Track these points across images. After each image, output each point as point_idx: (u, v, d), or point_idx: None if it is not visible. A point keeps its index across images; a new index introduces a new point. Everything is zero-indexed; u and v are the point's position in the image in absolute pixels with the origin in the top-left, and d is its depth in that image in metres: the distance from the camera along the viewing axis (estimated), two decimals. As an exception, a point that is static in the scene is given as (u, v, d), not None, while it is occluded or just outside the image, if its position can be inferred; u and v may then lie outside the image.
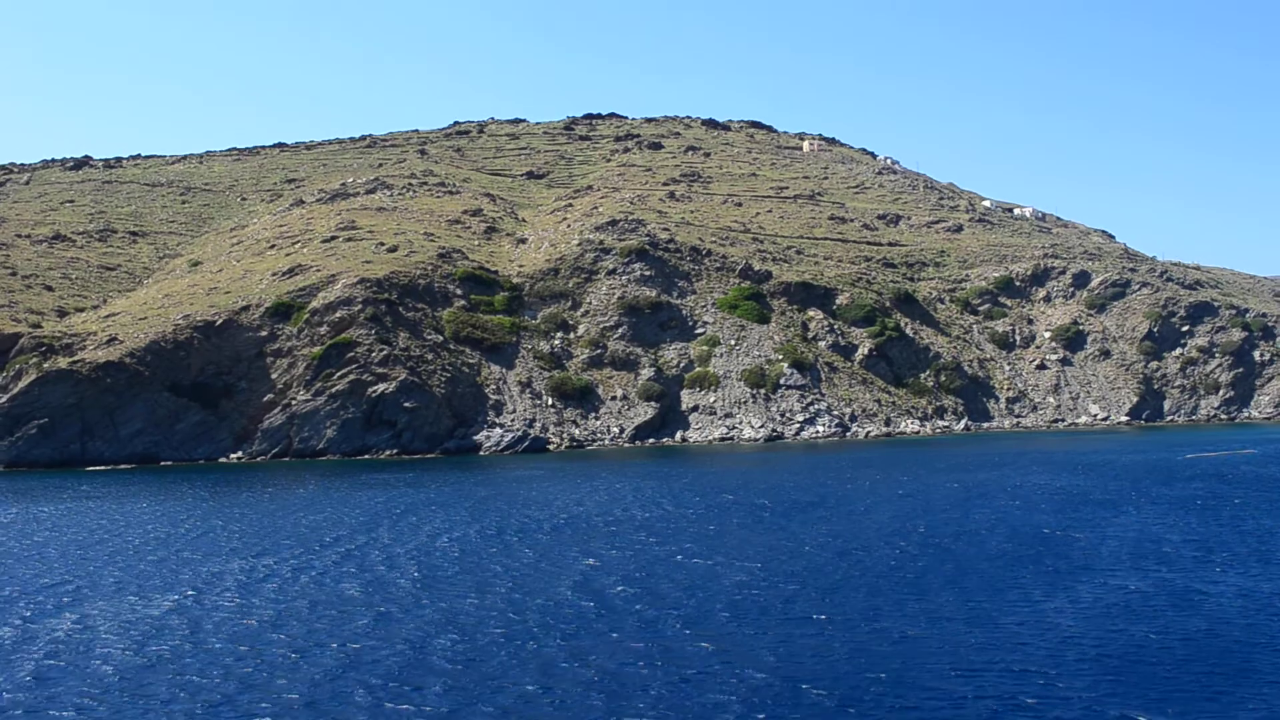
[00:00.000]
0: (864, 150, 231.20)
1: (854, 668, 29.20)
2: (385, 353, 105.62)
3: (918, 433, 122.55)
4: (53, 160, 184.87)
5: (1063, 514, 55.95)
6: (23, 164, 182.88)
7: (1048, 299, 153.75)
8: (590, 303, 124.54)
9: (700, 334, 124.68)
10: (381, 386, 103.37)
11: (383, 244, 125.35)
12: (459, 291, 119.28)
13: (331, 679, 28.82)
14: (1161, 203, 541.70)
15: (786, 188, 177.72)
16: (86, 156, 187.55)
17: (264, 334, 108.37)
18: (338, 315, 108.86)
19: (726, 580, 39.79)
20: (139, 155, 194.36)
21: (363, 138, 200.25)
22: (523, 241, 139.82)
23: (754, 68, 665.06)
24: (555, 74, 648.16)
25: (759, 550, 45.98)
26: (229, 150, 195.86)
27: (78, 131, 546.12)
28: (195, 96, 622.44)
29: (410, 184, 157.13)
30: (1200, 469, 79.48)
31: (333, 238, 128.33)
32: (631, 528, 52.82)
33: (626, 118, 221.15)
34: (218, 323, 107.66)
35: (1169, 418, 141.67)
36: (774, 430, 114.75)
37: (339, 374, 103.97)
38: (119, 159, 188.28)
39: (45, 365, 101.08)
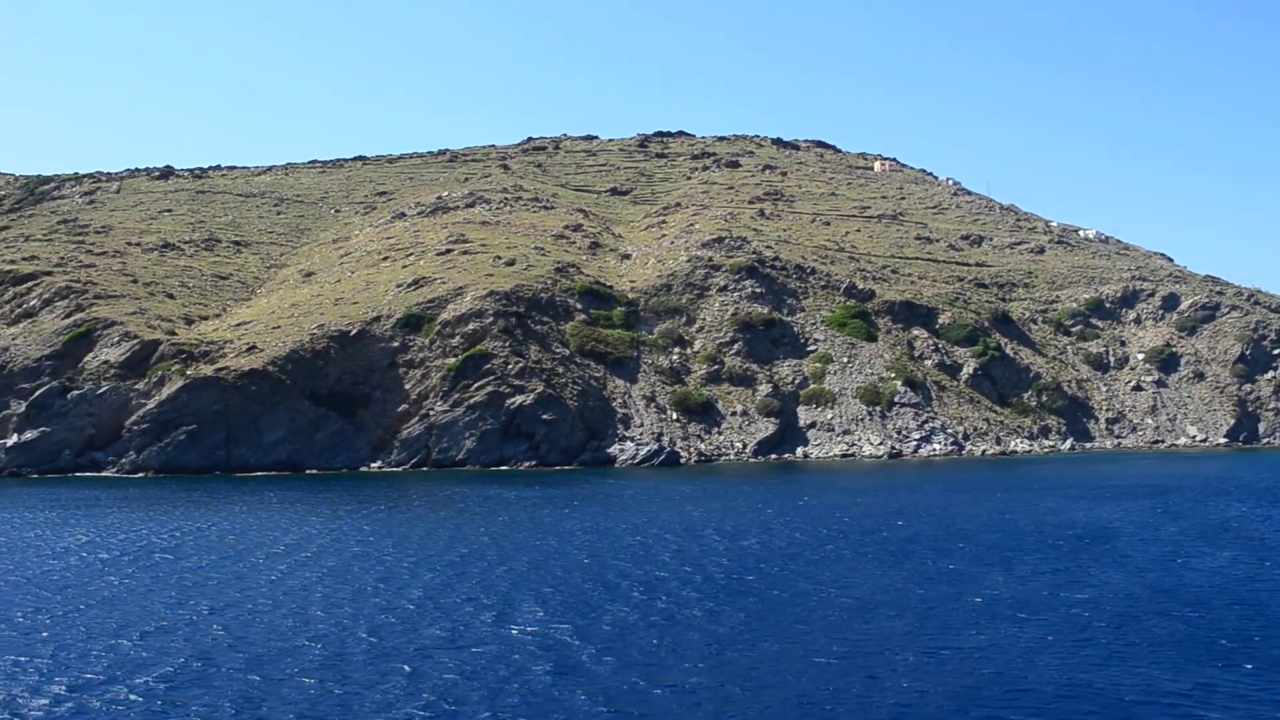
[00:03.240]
0: (923, 171, 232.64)
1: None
2: (520, 365, 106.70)
3: (1029, 451, 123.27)
4: (138, 170, 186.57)
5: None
6: (108, 173, 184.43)
7: (1138, 321, 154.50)
8: (704, 319, 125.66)
9: (812, 351, 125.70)
10: (519, 399, 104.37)
11: (499, 258, 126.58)
12: (579, 306, 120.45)
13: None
14: (1201, 227, 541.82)
15: (868, 207, 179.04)
16: (169, 166, 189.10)
17: (396, 344, 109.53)
18: (470, 327, 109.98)
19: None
20: (219, 166, 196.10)
21: (441, 152, 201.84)
22: (626, 257, 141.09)
23: (779, 85, 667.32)
24: (617, 93, 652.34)
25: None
26: (311, 162, 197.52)
27: (140, 142, 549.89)
28: (274, 110, 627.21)
29: (506, 198, 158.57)
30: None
31: (447, 250, 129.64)
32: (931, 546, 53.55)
33: (695, 136, 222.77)
34: (352, 333, 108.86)
35: (1264, 440, 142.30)
36: (893, 448, 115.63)
37: (476, 385, 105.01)
38: (203, 169, 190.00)
39: (189, 372, 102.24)
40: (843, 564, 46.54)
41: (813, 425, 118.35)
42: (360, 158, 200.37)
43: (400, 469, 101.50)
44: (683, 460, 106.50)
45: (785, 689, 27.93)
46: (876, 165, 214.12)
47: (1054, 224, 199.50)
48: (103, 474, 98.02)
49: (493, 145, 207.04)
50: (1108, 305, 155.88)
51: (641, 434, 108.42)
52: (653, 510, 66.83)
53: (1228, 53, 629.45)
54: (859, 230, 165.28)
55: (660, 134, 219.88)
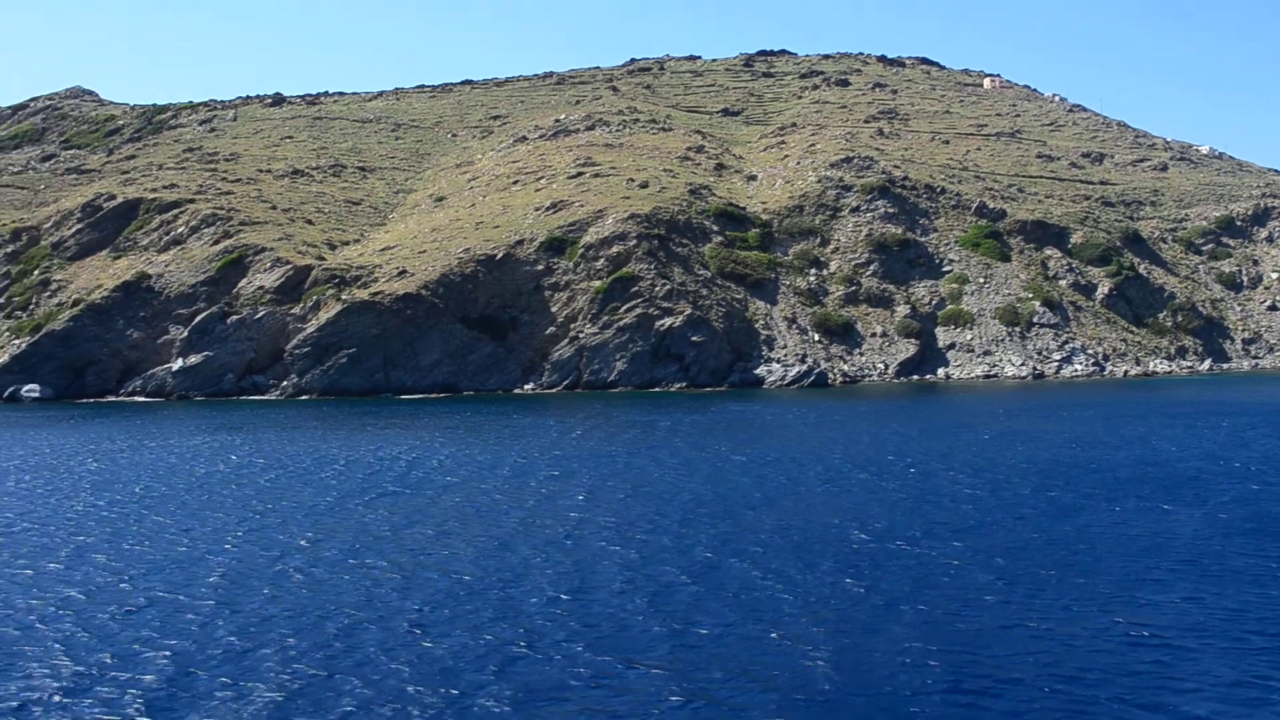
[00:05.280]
0: (1028, 87, 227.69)
1: None
2: (667, 287, 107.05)
3: (1169, 372, 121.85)
4: (250, 97, 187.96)
5: None
6: (221, 101, 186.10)
7: (1270, 239, 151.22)
8: (838, 240, 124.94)
9: (948, 272, 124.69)
10: (668, 321, 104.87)
11: (631, 180, 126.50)
12: (715, 228, 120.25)
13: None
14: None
15: (985, 125, 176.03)
16: (279, 94, 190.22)
17: (540, 268, 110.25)
18: (614, 250, 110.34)
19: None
20: (327, 92, 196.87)
21: (547, 75, 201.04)
22: (752, 178, 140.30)
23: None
24: (715, 12, 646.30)
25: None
26: (419, 87, 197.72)
27: (244, 71, 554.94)
28: (386, 32, 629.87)
29: (623, 121, 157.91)
30: None
31: (578, 174, 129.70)
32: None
33: (798, 54, 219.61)
34: (498, 256, 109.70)
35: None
36: (1035, 369, 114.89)
37: (624, 308, 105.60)
38: (314, 95, 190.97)
39: (344, 296, 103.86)
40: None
41: (952, 346, 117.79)
42: (468, 81, 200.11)
43: (553, 390, 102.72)
44: (830, 381, 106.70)
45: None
46: (986, 82, 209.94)
47: (1172, 141, 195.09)
48: (266, 397, 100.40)
49: (598, 67, 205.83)
50: (1239, 223, 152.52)
51: (786, 355, 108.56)
52: (900, 432, 67.09)
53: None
54: (979, 149, 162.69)
55: (763, 53, 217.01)
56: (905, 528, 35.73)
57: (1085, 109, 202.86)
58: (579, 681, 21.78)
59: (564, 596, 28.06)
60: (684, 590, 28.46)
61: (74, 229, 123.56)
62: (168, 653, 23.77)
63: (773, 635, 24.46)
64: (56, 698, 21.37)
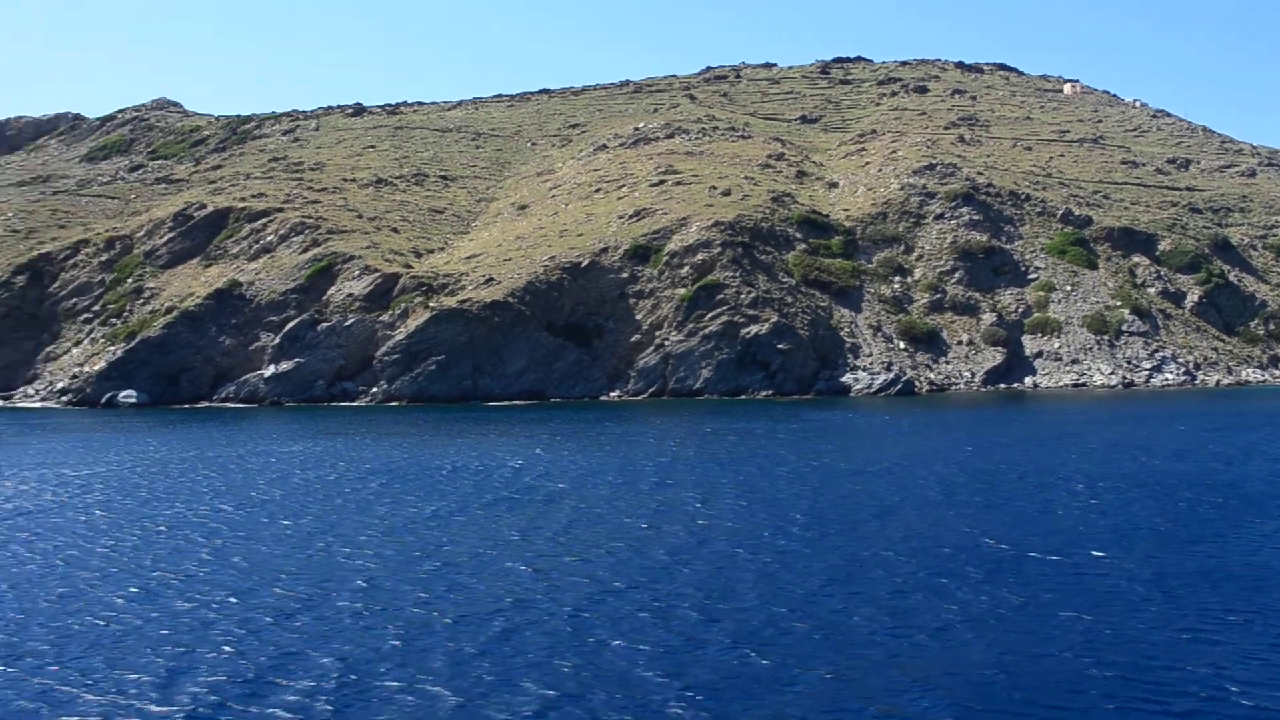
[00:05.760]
0: (1107, 92, 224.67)
1: None
2: (753, 295, 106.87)
3: (1262, 381, 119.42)
4: (331, 107, 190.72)
5: None
6: (303, 111, 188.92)
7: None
8: (922, 247, 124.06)
9: (1034, 279, 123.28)
10: (754, 328, 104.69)
11: (714, 188, 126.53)
12: (798, 235, 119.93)
13: None
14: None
15: (1067, 131, 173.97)
16: (359, 104, 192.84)
17: (625, 275, 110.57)
18: (698, 258, 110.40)
19: None
20: (406, 102, 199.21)
21: (624, 83, 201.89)
22: (834, 185, 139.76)
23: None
24: (790, 20, 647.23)
25: None
26: (497, 96, 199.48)
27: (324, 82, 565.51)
28: (462, 42, 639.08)
29: (703, 129, 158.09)
30: None
31: (660, 181, 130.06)
32: None
33: (874, 61, 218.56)
34: (583, 264, 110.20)
35: None
36: (1125, 377, 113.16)
37: (710, 315, 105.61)
38: (393, 105, 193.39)
39: (431, 304, 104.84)
40: None
41: (1039, 354, 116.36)
42: (545, 90, 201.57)
43: (638, 398, 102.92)
44: (916, 389, 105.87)
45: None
46: (1066, 88, 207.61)
47: (1259, 146, 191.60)
48: (356, 403, 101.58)
49: (674, 75, 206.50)
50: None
51: (871, 363, 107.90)
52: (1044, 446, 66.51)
53: None
54: (1062, 155, 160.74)
55: (839, 60, 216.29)
56: (1040, 538, 35.25)
57: (1169, 114, 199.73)
58: (757, 685, 21.74)
59: (712, 601, 28.04)
60: (830, 597, 28.31)
61: (165, 238, 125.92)
62: (336, 655, 24.06)
63: (937, 643, 24.26)
64: (235, 700, 21.70)
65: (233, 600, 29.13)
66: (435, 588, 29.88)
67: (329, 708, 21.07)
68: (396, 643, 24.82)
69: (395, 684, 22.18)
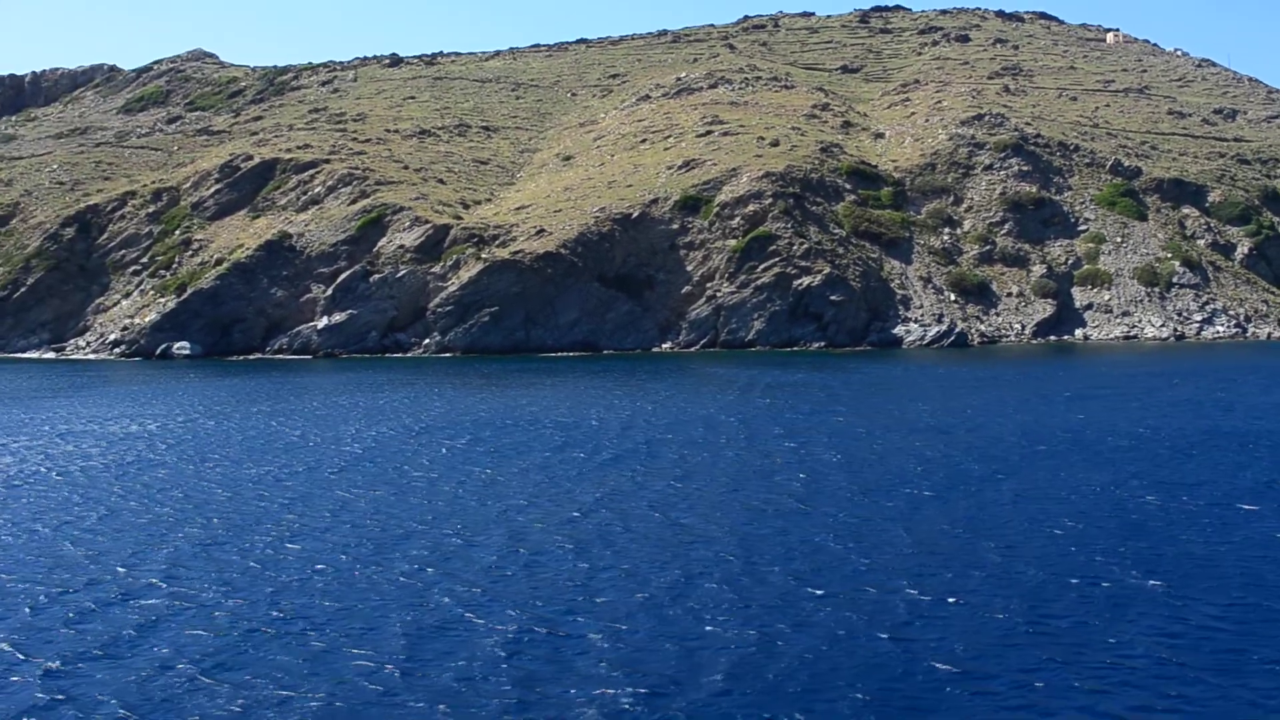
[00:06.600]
0: (1148, 41, 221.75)
1: None
2: (805, 246, 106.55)
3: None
4: (368, 58, 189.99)
5: None
6: (340, 62, 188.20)
7: None
8: (971, 198, 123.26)
9: (1083, 231, 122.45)
10: (806, 280, 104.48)
11: (761, 138, 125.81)
12: (847, 186, 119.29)
13: None
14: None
15: (1112, 81, 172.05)
16: (395, 54, 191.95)
17: (675, 227, 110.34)
18: (749, 209, 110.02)
19: None
20: (441, 52, 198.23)
21: (661, 33, 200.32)
22: (880, 136, 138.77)
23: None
24: None
25: None
26: (535, 46, 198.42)
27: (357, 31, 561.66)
28: None
29: (745, 79, 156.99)
30: None
31: (706, 132, 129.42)
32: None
33: (912, 10, 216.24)
34: (633, 215, 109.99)
35: None
36: (1175, 330, 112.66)
37: (762, 267, 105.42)
38: (430, 56, 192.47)
39: (483, 255, 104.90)
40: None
41: (1089, 306, 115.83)
42: (583, 40, 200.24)
43: (691, 349, 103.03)
44: (969, 341, 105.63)
45: None
46: (1109, 37, 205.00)
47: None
48: (409, 354, 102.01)
49: (711, 25, 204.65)
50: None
51: (922, 315, 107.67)
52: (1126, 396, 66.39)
53: None
54: (1108, 105, 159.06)
55: (878, 8, 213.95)
56: (1186, 495, 34.78)
57: (1214, 64, 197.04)
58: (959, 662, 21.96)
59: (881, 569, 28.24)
60: (983, 570, 27.88)
61: (212, 189, 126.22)
62: (511, 608, 24.26)
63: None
64: (403, 658, 22.06)
65: (369, 551, 29.54)
66: (583, 539, 30.05)
67: (509, 653, 21.35)
68: (575, 597, 24.75)
69: (588, 637, 22.48)
